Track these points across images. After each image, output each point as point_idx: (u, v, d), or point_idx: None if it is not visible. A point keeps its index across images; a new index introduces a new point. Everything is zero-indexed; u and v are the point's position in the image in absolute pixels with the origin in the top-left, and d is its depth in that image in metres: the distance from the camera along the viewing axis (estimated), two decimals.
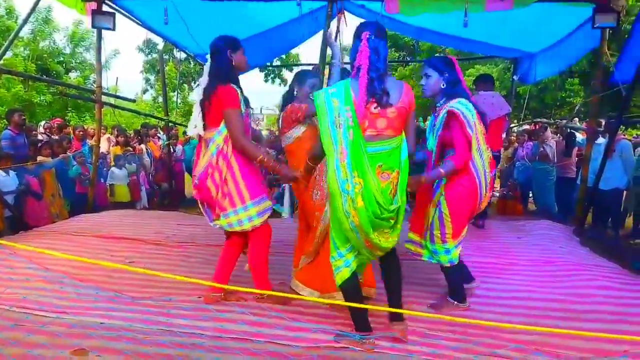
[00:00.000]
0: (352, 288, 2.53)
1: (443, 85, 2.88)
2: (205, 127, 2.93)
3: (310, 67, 8.10)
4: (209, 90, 2.86)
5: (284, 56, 19.82)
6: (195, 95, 3.02)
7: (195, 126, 2.96)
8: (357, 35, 2.42)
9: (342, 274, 2.49)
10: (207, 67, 2.94)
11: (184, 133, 10.33)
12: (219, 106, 2.82)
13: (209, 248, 4.29)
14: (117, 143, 7.86)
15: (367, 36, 2.36)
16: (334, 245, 2.52)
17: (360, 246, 2.43)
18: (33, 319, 2.66)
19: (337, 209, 2.35)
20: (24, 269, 3.37)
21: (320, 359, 2.30)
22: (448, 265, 2.95)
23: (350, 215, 2.31)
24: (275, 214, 7.29)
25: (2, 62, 6.44)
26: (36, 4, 5.88)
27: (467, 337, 2.57)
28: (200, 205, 3.06)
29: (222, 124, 2.83)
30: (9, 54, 12.85)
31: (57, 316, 2.71)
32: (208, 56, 2.95)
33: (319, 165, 2.90)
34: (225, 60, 2.90)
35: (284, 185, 7.37)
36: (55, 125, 8.10)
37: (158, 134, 9.45)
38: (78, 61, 18.36)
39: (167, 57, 17.80)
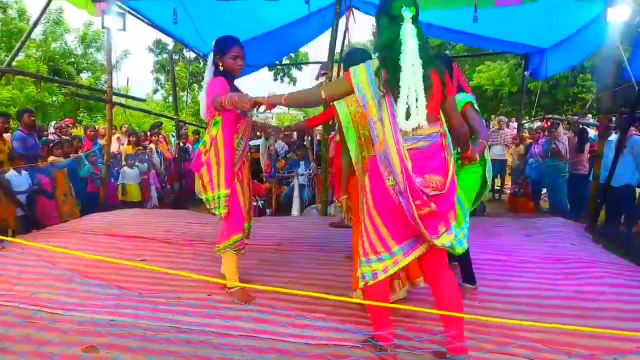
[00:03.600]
0: None
1: None
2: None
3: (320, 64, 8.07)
4: (441, 72, 2.12)
5: (292, 55, 19.85)
6: (409, 74, 1.96)
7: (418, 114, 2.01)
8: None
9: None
10: (409, 35, 1.97)
11: (194, 132, 10.38)
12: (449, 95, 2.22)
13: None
14: (129, 142, 7.92)
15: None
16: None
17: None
18: (43, 315, 2.69)
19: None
20: (35, 267, 3.41)
21: (328, 357, 2.29)
22: None
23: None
24: (285, 211, 7.32)
25: (14, 63, 6.52)
26: (47, 5, 5.94)
27: (476, 334, 2.55)
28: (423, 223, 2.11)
29: (443, 116, 2.24)
30: (21, 56, 13.02)
31: (66, 313, 2.74)
32: (408, 15, 1.98)
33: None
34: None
35: (293, 183, 7.37)
36: (64, 125, 8.22)
37: (162, 134, 9.50)
38: (89, 62, 18.49)
39: (177, 57, 17.94)
